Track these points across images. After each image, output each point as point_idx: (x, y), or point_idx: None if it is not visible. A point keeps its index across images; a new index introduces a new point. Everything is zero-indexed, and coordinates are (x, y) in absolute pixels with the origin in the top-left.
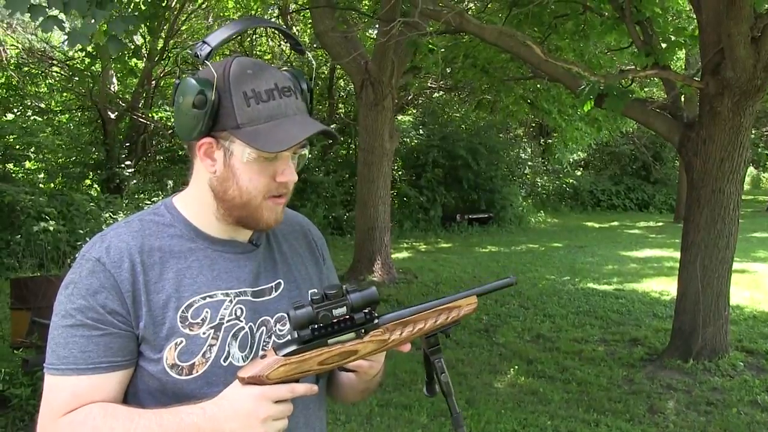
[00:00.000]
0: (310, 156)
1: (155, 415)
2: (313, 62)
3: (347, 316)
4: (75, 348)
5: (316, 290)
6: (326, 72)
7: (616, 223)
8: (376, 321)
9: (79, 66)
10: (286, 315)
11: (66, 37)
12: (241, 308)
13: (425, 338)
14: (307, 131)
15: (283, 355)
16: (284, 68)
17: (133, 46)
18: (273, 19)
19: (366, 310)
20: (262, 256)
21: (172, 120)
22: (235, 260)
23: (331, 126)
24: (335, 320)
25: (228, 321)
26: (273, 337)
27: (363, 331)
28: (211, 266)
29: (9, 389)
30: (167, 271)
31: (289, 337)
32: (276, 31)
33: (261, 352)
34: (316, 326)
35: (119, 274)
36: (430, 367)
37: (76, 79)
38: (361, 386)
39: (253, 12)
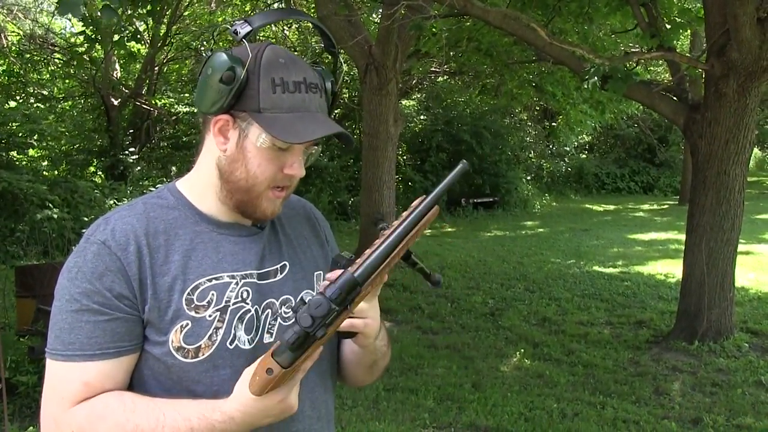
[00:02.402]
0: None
1: (182, 418)
2: (342, 63)
3: (336, 308)
4: (81, 334)
5: (300, 309)
6: (329, 57)
7: (620, 206)
8: (358, 289)
9: (79, 50)
10: (291, 298)
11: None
12: (247, 290)
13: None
14: (326, 130)
15: (284, 368)
16: (314, 65)
17: (132, 29)
18: (276, 5)
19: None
20: (267, 239)
21: (176, 106)
22: (240, 243)
23: (335, 111)
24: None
25: (234, 303)
26: (279, 320)
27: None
28: (216, 249)
29: (15, 377)
30: (173, 253)
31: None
32: (311, 26)
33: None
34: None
35: (125, 257)
36: (417, 266)
37: (75, 64)
38: (367, 360)
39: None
